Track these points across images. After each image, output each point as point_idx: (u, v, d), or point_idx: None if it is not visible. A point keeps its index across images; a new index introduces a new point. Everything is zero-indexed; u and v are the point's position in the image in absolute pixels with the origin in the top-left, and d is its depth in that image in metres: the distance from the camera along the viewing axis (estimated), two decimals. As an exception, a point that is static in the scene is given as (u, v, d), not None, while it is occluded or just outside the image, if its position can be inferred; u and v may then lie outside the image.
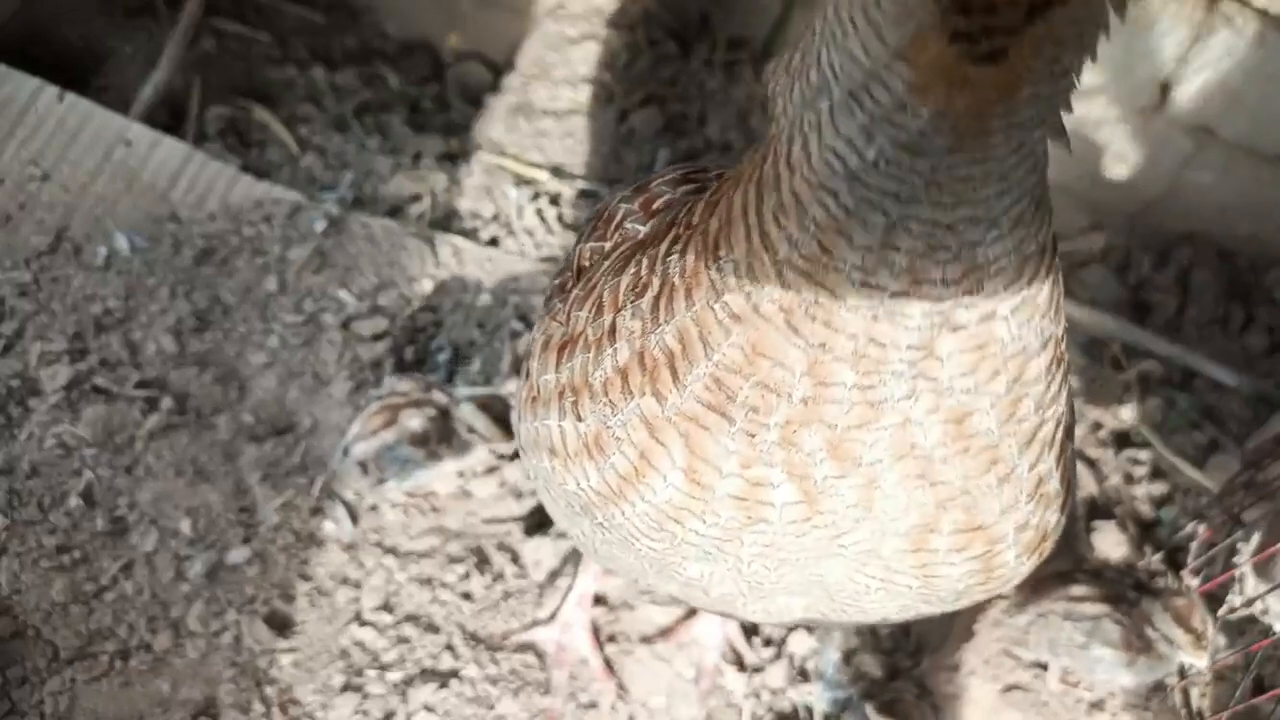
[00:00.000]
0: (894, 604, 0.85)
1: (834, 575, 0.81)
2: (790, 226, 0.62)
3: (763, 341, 0.66)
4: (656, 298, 0.73)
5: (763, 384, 0.67)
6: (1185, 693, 1.48)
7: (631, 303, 0.76)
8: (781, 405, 0.67)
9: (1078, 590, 1.48)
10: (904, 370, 0.65)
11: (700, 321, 0.69)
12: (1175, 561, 1.60)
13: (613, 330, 0.77)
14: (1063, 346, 0.73)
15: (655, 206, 0.91)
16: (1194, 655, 1.43)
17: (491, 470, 1.62)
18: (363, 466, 1.56)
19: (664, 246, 0.76)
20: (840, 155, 0.58)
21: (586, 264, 0.95)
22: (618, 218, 0.95)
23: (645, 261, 0.77)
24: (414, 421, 1.57)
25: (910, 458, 0.70)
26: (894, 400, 0.66)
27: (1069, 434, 0.79)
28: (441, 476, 1.59)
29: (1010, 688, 1.45)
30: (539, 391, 0.88)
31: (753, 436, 0.69)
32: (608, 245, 0.92)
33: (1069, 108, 0.60)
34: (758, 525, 0.74)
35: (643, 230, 0.88)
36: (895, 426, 0.68)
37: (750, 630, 1.56)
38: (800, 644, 1.55)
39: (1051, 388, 0.71)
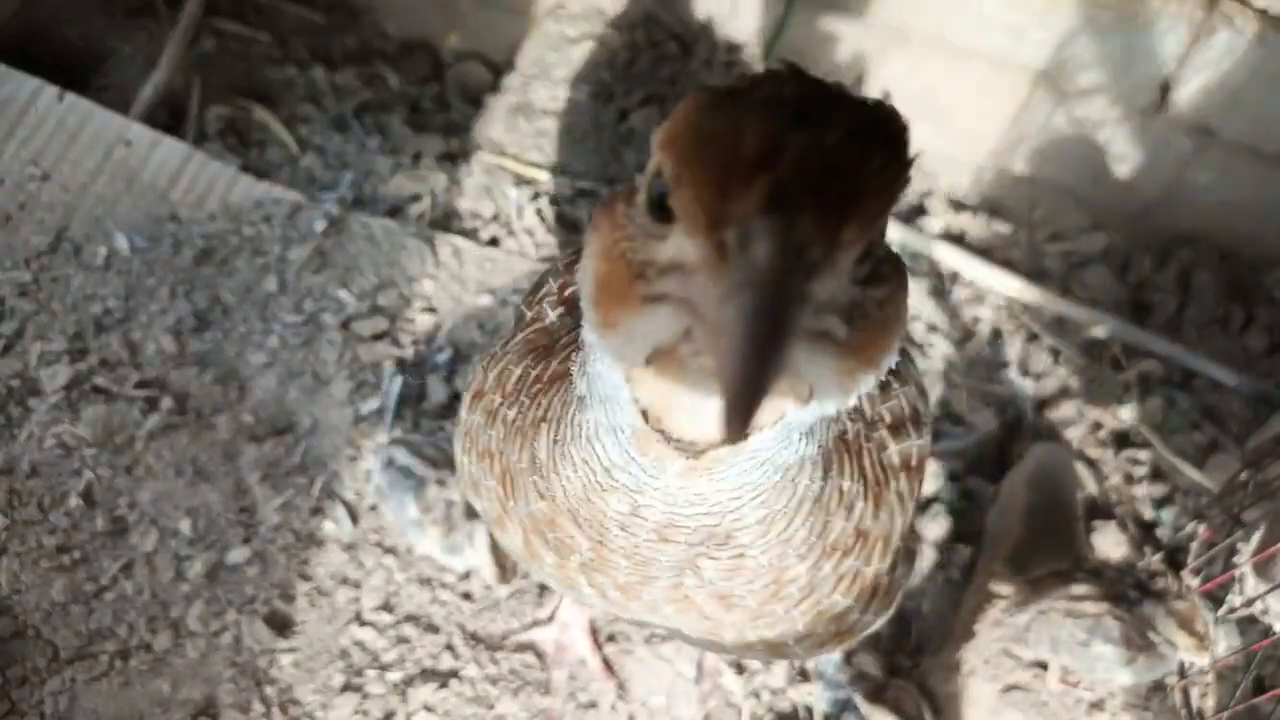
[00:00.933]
0: (747, 653, 0.97)
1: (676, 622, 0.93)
2: (568, 471, 0.73)
3: (557, 519, 0.78)
4: (515, 421, 0.85)
5: (560, 540, 0.80)
6: (1185, 693, 1.48)
7: (508, 406, 0.88)
8: (575, 556, 0.80)
9: (1078, 590, 1.48)
10: (669, 570, 0.77)
11: (523, 477, 0.82)
12: (1175, 561, 1.60)
13: (494, 415, 0.89)
14: (843, 538, 0.82)
15: (566, 294, 0.98)
16: (1195, 656, 1.43)
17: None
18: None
19: (534, 375, 0.88)
20: (597, 453, 0.69)
21: (516, 321, 1.05)
22: (541, 291, 1.02)
23: (530, 375, 0.89)
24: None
25: (684, 602, 0.82)
26: (665, 578, 0.78)
27: (876, 557, 0.89)
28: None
29: (1010, 687, 1.45)
30: (460, 420, 1.01)
31: (561, 559, 0.83)
32: (529, 314, 0.99)
33: (818, 427, 0.69)
34: (576, 594, 0.90)
35: (550, 317, 0.96)
36: (669, 587, 0.80)
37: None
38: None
39: (821, 572, 0.82)
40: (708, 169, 0.44)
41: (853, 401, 0.55)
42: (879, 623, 0.99)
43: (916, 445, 0.94)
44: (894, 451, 0.90)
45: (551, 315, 0.95)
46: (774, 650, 0.93)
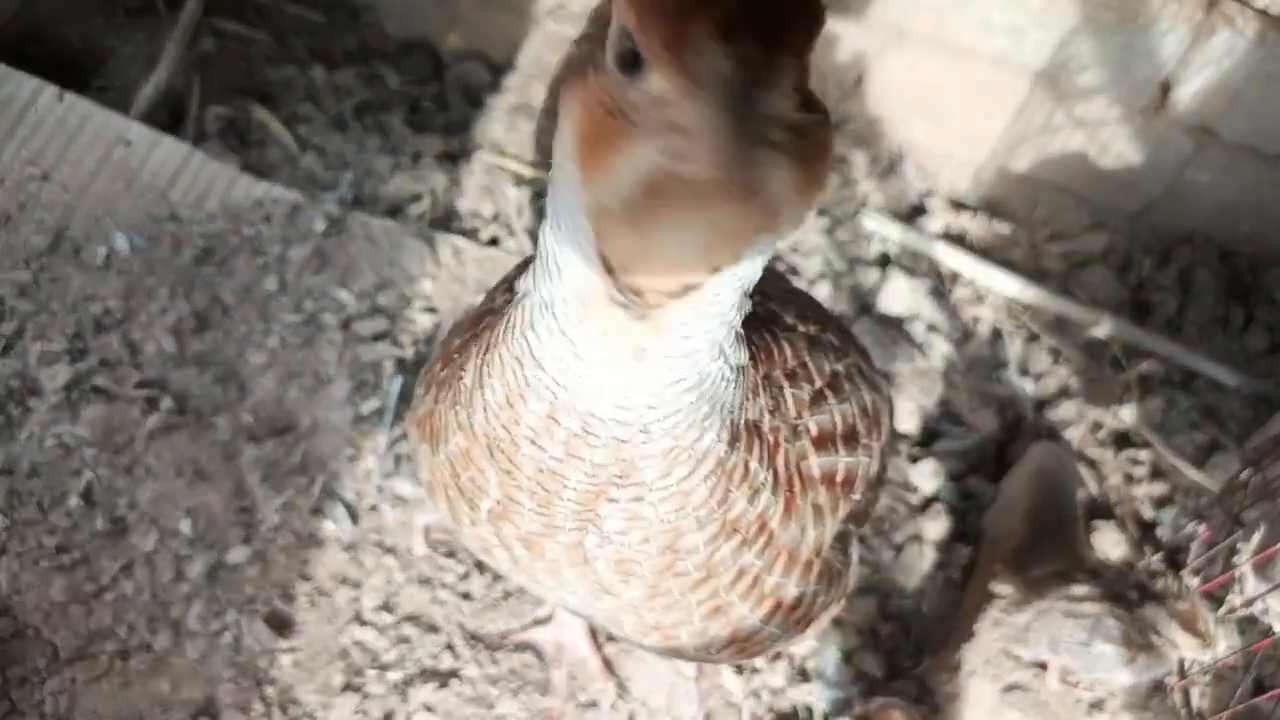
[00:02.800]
0: (645, 642, 0.99)
1: (596, 604, 0.95)
2: (494, 377, 0.78)
3: (471, 451, 0.83)
4: (443, 377, 0.90)
5: (473, 480, 0.84)
6: (1185, 693, 1.48)
7: (440, 369, 0.94)
8: (485, 499, 0.84)
9: (1078, 590, 1.48)
10: (570, 513, 0.80)
11: (444, 415, 0.86)
12: (1175, 561, 1.60)
13: (430, 383, 0.96)
14: (744, 520, 0.84)
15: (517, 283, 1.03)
16: (1198, 654, 1.43)
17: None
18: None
19: (458, 337, 0.94)
20: (529, 342, 0.74)
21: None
22: (497, 287, 1.08)
23: (455, 341, 0.95)
24: None
25: (584, 567, 0.85)
26: (566, 528, 0.82)
27: (778, 569, 0.91)
28: None
29: (1010, 687, 1.45)
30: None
31: (473, 509, 0.86)
32: (474, 312, 1.06)
33: (733, 349, 0.75)
34: (493, 560, 0.95)
35: (498, 300, 1.00)
36: (570, 545, 0.83)
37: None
38: (800, 644, 1.55)
39: (720, 552, 0.84)
40: (667, 15, 0.54)
41: (795, 233, 0.61)
42: (788, 643, 1.01)
43: (845, 462, 0.96)
44: (814, 464, 0.92)
45: (499, 299, 1.01)
46: (670, 645, 0.95)
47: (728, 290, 0.69)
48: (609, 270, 0.63)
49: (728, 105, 0.53)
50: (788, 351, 0.94)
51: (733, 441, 0.80)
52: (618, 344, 0.69)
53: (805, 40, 0.57)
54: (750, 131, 0.53)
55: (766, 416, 0.86)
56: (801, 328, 0.99)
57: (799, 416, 0.91)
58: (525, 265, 1.08)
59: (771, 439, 0.86)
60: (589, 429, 0.74)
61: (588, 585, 0.87)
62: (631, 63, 0.58)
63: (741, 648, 0.96)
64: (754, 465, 0.83)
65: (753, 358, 0.84)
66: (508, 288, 1.03)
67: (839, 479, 0.95)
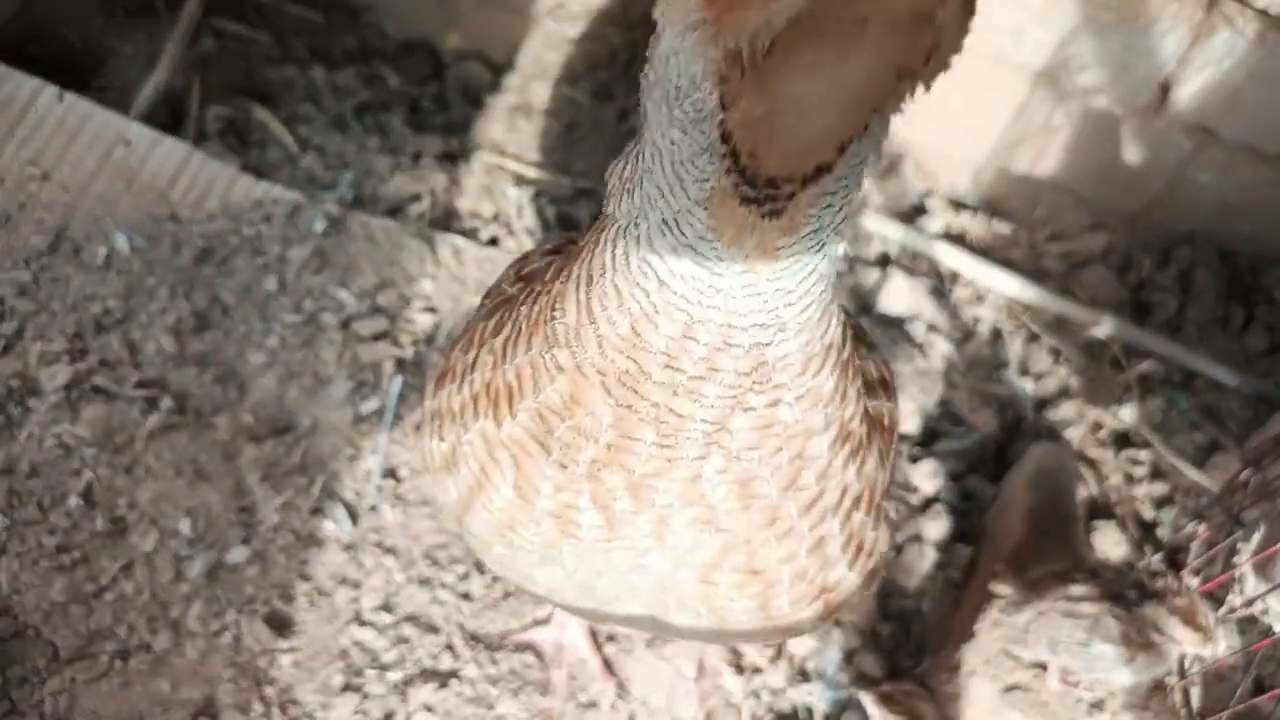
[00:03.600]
0: (700, 626, 0.97)
1: (644, 593, 0.92)
2: (611, 309, 0.73)
3: (580, 393, 0.77)
4: (507, 339, 0.85)
5: (576, 428, 0.79)
6: (1185, 693, 1.48)
7: (490, 339, 0.89)
8: (590, 447, 0.79)
9: (1076, 590, 1.48)
10: (698, 437, 0.76)
11: (534, 364, 0.80)
12: (1175, 561, 1.60)
13: (474, 363, 0.90)
14: (853, 424, 0.84)
15: (524, 272, 1.03)
16: (1200, 649, 1.43)
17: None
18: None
19: (522, 297, 0.88)
20: (652, 265, 0.70)
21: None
22: (498, 281, 1.07)
23: (507, 310, 0.90)
24: None
25: (699, 506, 0.81)
26: (688, 459, 0.77)
27: (863, 503, 0.90)
28: None
29: (1010, 688, 1.45)
30: (421, 417, 1.00)
31: (565, 468, 0.81)
32: (489, 305, 1.03)
33: (847, 229, 0.72)
34: (570, 539, 0.87)
35: (509, 290, 1.00)
36: (687, 480, 0.79)
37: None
38: (800, 644, 1.55)
39: (835, 462, 0.83)
40: None
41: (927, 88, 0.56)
42: (862, 599, 0.99)
43: (887, 407, 0.97)
44: (869, 405, 0.92)
45: (509, 290, 0.99)
46: (764, 599, 0.91)
47: (852, 169, 0.65)
48: (737, 164, 0.61)
49: None
50: None
51: (843, 336, 0.78)
52: (752, 244, 0.66)
53: None
54: None
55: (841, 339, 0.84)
56: None
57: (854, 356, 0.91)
58: (527, 257, 1.08)
59: (851, 362, 0.84)
60: (729, 340, 0.71)
61: (691, 535, 0.84)
62: None
63: (827, 602, 0.94)
64: (856, 365, 0.82)
65: None
66: (516, 278, 1.02)
67: (886, 423, 0.95)
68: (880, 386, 0.99)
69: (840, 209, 0.67)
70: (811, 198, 0.63)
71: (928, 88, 0.56)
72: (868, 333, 1.12)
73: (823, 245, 0.68)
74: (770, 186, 0.62)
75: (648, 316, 0.71)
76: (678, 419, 0.75)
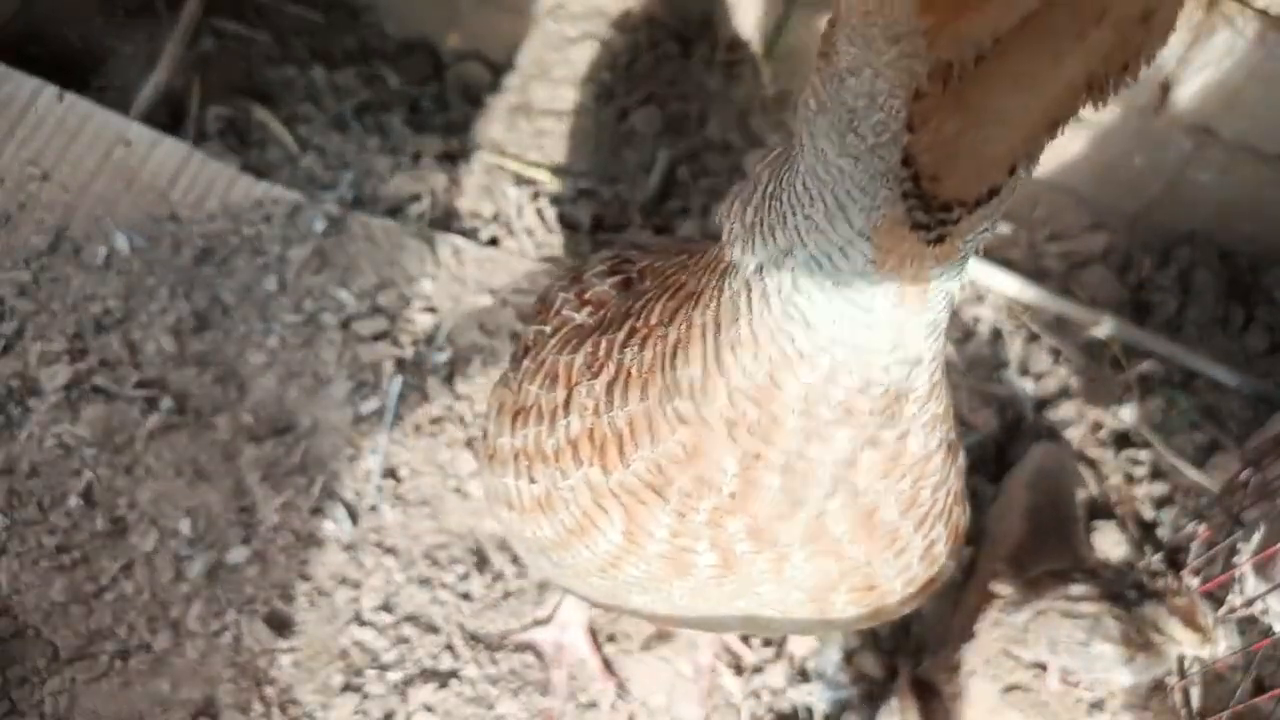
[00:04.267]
0: (796, 625, 0.98)
1: (748, 609, 0.92)
2: (744, 358, 0.70)
3: (703, 444, 0.75)
4: (611, 382, 0.82)
5: (699, 477, 0.76)
6: (1185, 693, 1.48)
7: (587, 380, 0.85)
8: (712, 495, 0.76)
9: (1076, 590, 1.48)
10: (825, 479, 0.74)
11: (650, 415, 0.77)
12: (1175, 561, 1.60)
13: (567, 403, 0.86)
14: (953, 431, 0.83)
15: (587, 296, 0.99)
16: (1199, 649, 1.43)
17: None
18: None
19: (620, 336, 0.84)
20: (799, 307, 0.66)
21: (531, 344, 1.03)
22: (556, 304, 1.03)
23: (603, 346, 0.86)
24: None
25: (821, 540, 0.80)
26: (814, 499, 0.76)
27: (958, 495, 0.91)
28: None
29: (1010, 688, 1.45)
30: (495, 451, 0.98)
31: (683, 516, 0.79)
32: (548, 329, 0.99)
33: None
34: (684, 577, 0.85)
35: (578, 316, 0.97)
36: (811, 518, 0.77)
37: (750, 630, 1.57)
38: (800, 644, 1.55)
39: (943, 471, 0.82)
40: None
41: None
42: (943, 579, 0.98)
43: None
44: None
45: (579, 317, 0.95)
46: (877, 606, 0.90)
47: (1010, 192, 0.62)
48: (916, 188, 0.57)
49: None
50: None
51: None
52: (909, 275, 0.62)
53: None
54: None
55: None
56: None
57: None
58: (579, 276, 1.03)
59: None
60: (869, 379, 0.68)
61: (811, 567, 0.82)
62: None
63: (927, 592, 0.94)
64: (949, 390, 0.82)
65: None
66: (555, 311, 0.98)
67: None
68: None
69: (987, 233, 0.64)
70: (975, 222, 0.60)
71: (1105, 102, 0.52)
72: None
73: (959, 273, 0.66)
74: (944, 210, 0.58)
75: (790, 364, 0.68)
76: (806, 463, 0.73)
